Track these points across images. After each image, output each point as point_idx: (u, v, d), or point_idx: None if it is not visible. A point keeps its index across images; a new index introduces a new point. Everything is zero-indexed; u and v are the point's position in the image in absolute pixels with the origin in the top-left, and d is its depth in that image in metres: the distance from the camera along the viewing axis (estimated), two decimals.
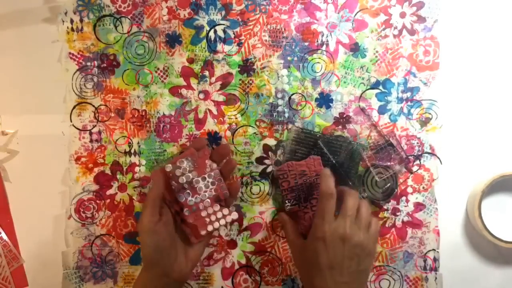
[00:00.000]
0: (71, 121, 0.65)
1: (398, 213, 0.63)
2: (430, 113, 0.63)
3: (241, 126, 0.64)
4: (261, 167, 0.64)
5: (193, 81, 0.65)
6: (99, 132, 0.65)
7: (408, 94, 0.63)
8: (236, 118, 0.64)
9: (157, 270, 0.54)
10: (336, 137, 0.63)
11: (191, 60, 0.65)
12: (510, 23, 0.64)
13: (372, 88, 0.64)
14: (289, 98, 0.64)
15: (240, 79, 0.64)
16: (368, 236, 0.55)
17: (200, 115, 0.65)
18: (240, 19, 0.64)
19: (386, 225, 0.63)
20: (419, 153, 0.63)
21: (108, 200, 0.65)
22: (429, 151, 0.63)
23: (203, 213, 0.58)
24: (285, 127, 0.64)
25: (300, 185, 0.60)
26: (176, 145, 0.64)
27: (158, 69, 0.65)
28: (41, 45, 0.66)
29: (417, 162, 0.63)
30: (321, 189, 0.55)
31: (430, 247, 0.63)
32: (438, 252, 0.63)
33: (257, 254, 0.64)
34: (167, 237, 0.55)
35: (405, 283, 0.63)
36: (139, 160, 0.65)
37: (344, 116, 0.64)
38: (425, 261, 0.63)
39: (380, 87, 0.64)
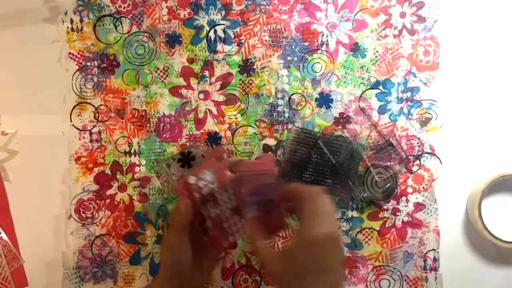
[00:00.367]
0: (71, 121, 0.65)
1: (398, 213, 0.63)
2: (430, 113, 0.63)
3: (241, 126, 0.64)
4: None
5: (193, 81, 0.65)
6: (99, 132, 0.65)
7: (408, 94, 0.63)
8: (236, 118, 0.64)
9: (175, 281, 0.54)
10: (336, 137, 0.63)
11: (191, 60, 0.65)
12: (510, 23, 0.64)
13: (372, 88, 0.64)
14: (289, 98, 0.64)
15: (240, 79, 0.64)
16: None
17: (200, 115, 0.65)
18: (240, 19, 0.64)
19: (386, 225, 0.63)
20: (419, 153, 0.63)
21: (108, 200, 0.65)
22: (429, 151, 0.63)
23: (225, 225, 0.57)
24: (285, 127, 0.64)
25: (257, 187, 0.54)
26: (176, 145, 0.64)
27: (158, 69, 0.65)
28: (41, 45, 0.66)
29: (417, 162, 0.63)
30: (307, 190, 0.50)
31: (430, 247, 0.63)
32: (438, 252, 0.63)
33: None
34: (190, 252, 0.54)
35: (405, 283, 0.63)
36: (139, 160, 0.65)
37: (344, 116, 0.64)
38: (425, 261, 0.63)
39: (380, 87, 0.64)
